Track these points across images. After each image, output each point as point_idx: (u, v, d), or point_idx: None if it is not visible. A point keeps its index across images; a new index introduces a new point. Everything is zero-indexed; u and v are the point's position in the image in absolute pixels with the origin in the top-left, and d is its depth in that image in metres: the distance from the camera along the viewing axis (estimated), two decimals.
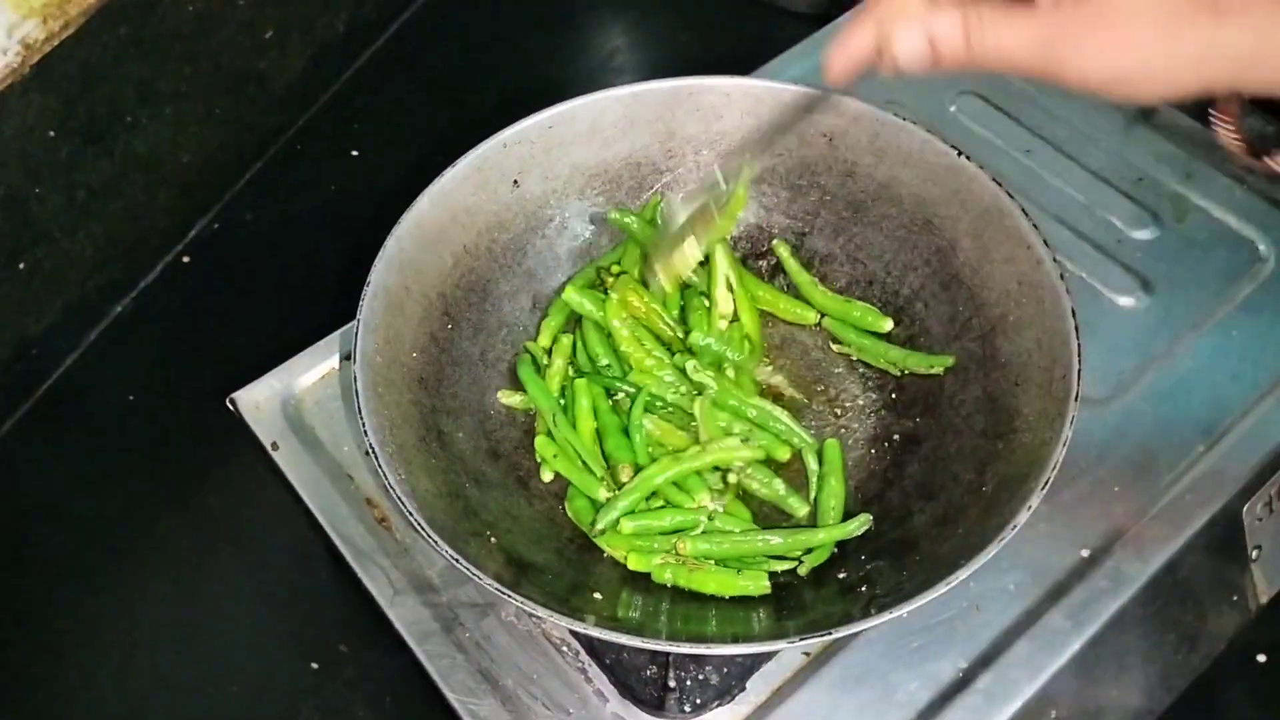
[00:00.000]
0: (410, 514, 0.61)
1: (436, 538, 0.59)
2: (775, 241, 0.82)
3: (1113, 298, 0.86)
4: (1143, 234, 0.90)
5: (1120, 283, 0.87)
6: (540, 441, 0.75)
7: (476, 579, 0.59)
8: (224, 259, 1.16)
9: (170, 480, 1.04)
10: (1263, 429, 0.79)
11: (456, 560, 0.59)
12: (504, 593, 0.58)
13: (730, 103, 0.79)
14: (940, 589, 0.58)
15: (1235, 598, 0.81)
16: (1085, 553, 0.75)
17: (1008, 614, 0.73)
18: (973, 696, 0.70)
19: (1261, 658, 0.88)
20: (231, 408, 0.83)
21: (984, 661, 0.71)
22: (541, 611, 0.58)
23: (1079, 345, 0.65)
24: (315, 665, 0.92)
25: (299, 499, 0.81)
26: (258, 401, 0.83)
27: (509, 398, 0.77)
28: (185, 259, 1.15)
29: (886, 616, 0.58)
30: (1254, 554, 0.80)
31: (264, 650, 0.94)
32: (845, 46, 0.55)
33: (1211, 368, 0.82)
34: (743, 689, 0.70)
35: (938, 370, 0.75)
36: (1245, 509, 0.78)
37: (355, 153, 1.24)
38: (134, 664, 0.94)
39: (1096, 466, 0.77)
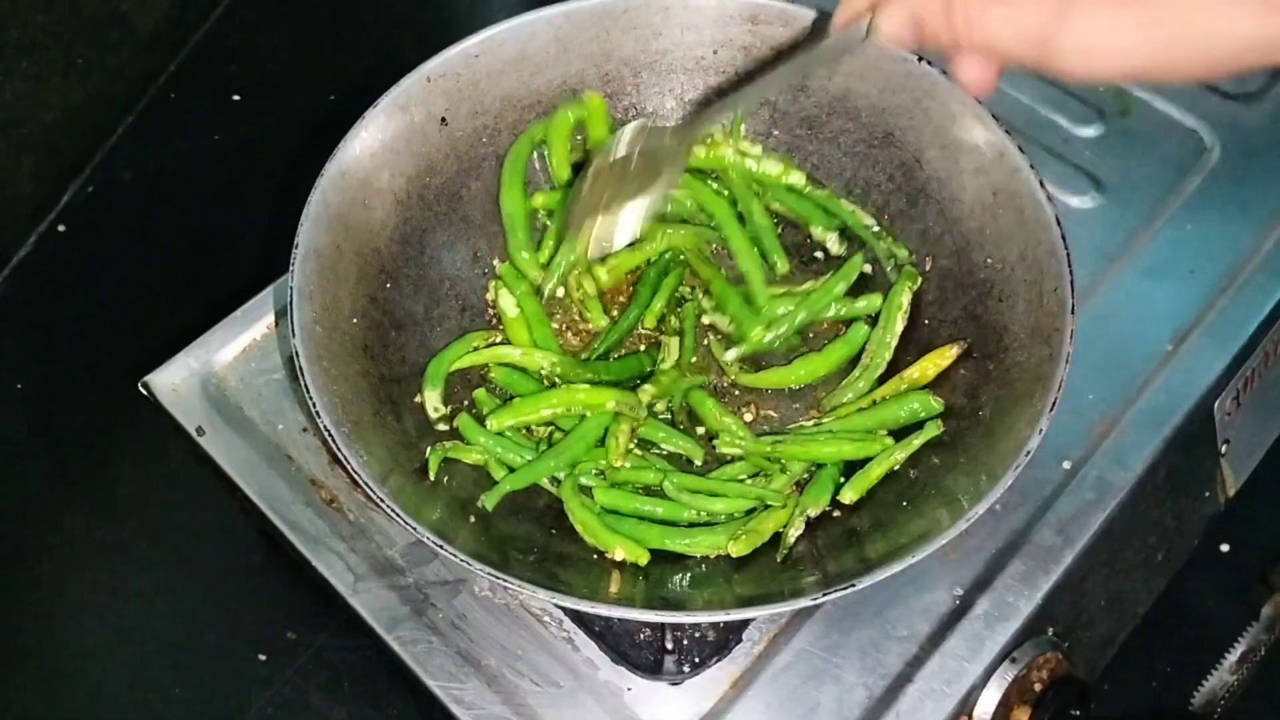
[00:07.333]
0: (383, 501, 0.55)
1: (417, 526, 0.54)
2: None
3: (1065, 200, 0.84)
4: (1088, 131, 0.88)
5: (1072, 183, 0.84)
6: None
7: (466, 565, 0.53)
8: (104, 225, 1.06)
9: (72, 473, 0.96)
10: (1227, 325, 0.78)
11: (441, 547, 0.54)
12: (499, 577, 0.53)
13: (669, 17, 0.73)
14: (961, 525, 0.55)
15: (1207, 493, 0.81)
16: (1067, 465, 0.73)
17: (997, 535, 0.71)
18: (972, 623, 0.68)
19: (1225, 547, 0.89)
20: (145, 392, 0.74)
21: (979, 586, 0.69)
22: (553, 597, 0.53)
23: (1068, 255, 0.62)
24: (263, 657, 0.87)
25: (224, 484, 0.74)
26: (174, 384, 0.75)
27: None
28: (60, 228, 1.05)
29: (909, 560, 0.54)
30: (1223, 448, 0.80)
31: (204, 646, 0.88)
32: (845, 7, 0.56)
33: (1170, 265, 0.81)
34: (739, 641, 0.67)
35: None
36: (1216, 405, 0.77)
37: (237, 97, 1.14)
38: (61, 677, 0.86)
39: (1070, 376, 0.75)
